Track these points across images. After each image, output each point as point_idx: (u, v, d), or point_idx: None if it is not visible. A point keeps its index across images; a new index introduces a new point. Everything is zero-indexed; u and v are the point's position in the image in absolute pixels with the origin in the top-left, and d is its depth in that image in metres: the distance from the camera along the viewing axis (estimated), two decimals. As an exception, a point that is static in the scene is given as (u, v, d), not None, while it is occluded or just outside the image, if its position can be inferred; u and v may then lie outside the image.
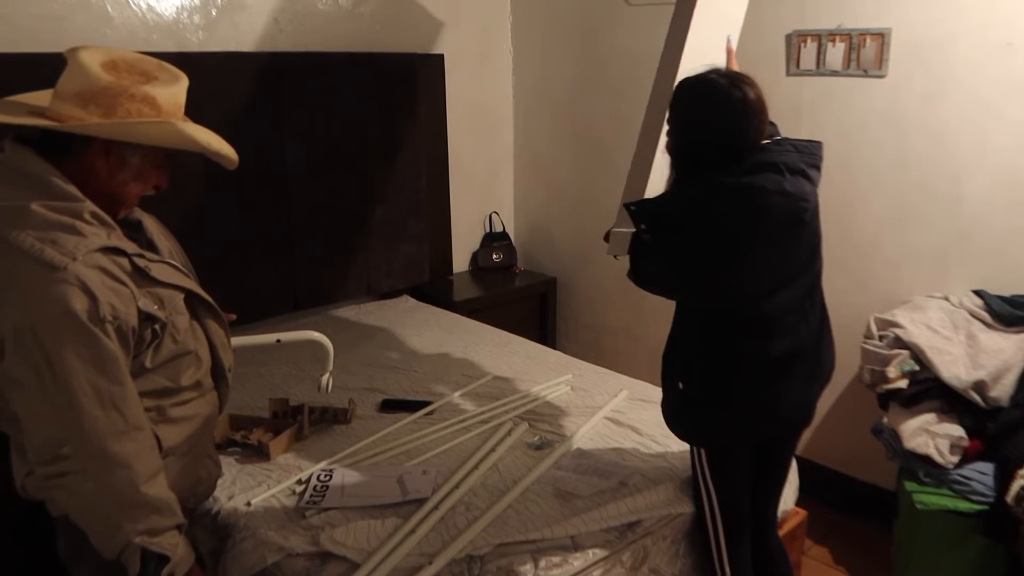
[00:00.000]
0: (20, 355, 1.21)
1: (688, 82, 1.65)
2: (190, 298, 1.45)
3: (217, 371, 1.54)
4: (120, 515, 1.27)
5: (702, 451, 1.85)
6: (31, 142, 1.30)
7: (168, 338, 1.38)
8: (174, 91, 1.35)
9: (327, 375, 2.28)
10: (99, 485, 1.26)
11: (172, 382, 1.41)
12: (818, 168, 1.69)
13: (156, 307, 1.35)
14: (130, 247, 1.34)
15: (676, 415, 1.87)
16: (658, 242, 1.70)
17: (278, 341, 2.19)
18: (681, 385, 1.79)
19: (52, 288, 1.20)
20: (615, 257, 1.88)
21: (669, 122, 1.68)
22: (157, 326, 1.35)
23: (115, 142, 1.30)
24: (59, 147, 1.28)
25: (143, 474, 1.29)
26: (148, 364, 1.36)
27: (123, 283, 1.29)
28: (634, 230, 1.75)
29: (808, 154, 1.67)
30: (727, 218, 1.60)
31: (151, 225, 1.51)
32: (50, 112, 1.29)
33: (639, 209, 1.71)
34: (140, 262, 1.34)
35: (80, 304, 1.21)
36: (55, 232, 1.22)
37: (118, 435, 1.26)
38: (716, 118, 1.60)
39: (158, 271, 1.37)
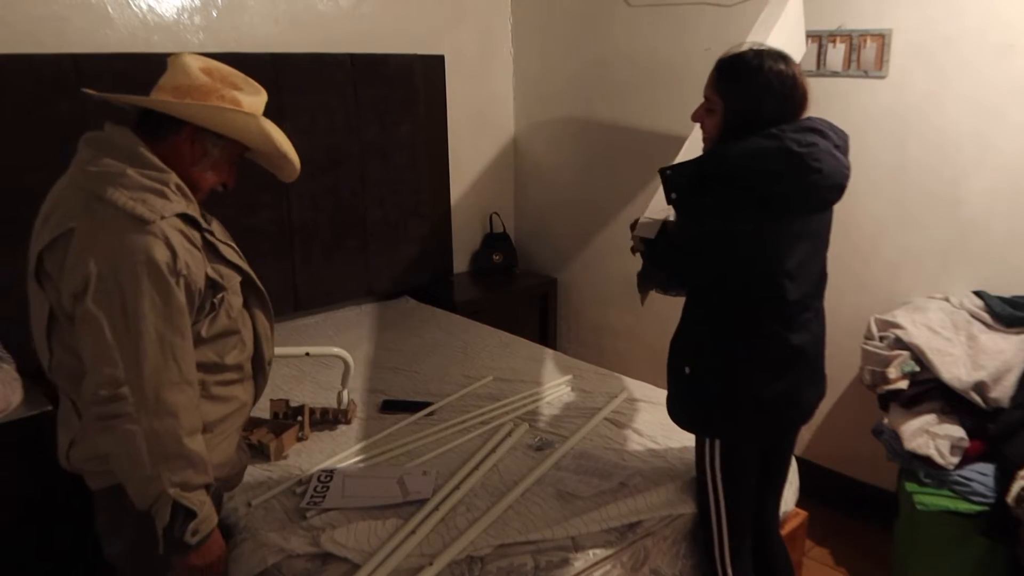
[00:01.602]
0: (100, 295, 1.30)
1: (739, 60, 1.65)
2: (244, 286, 1.56)
3: (257, 361, 1.61)
4: (160, 463, 1.33)
5: (715, 445, 1.83)
6: (127, 125, 1.44)
7: (223, 313, 1.48)
8: (257, 101, 1.50)
9: (346, 391, 2.34)
10: (146, 430, 1.32)
11: (219, 357, 1.50)
12: (847, 154, 1.70)
13: (219, 279, 1.47)
14: (203, 223, 1.47)
15: (680, 402, 1.86)
16: (693, 200, 1.67)
17: (307, 354, 2.26)
18: (687, 370, 1.78)
19: (139, 238, 1.32)
20: (634, 253, 1.88)
21: (721, 96, 1.65)
22: (216, 299, 1.47)
23: (201, 131, 1.43)
24: (152, 130, 1.42)
25: (187, 427, 1.36)
26: (204, 334, 1.45)
27: (197, 248, 1.42)
28: (663, 218, 1.77)
29: (842, 137, 1.70)
30: (779, 164, 1.56)
31: (213, 223, 1.60)
32: (121, 99, 1.44)
33: (676, 172, 1.68)
34: (210, 238, 1.48)
35: (161, 255, 1.33)
36: (146, 194, 1.35)
37: (172, 384, 1.35)
38: (780, 85, 1.61)
39: (224, 250, 1.50)
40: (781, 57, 1.63)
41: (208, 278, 1.44)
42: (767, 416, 1.78)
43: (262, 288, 1.60)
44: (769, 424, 1.81)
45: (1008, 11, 2.35)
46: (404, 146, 3.36)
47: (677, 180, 1.68)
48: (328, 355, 2.34)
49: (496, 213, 3.99)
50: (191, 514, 1.38)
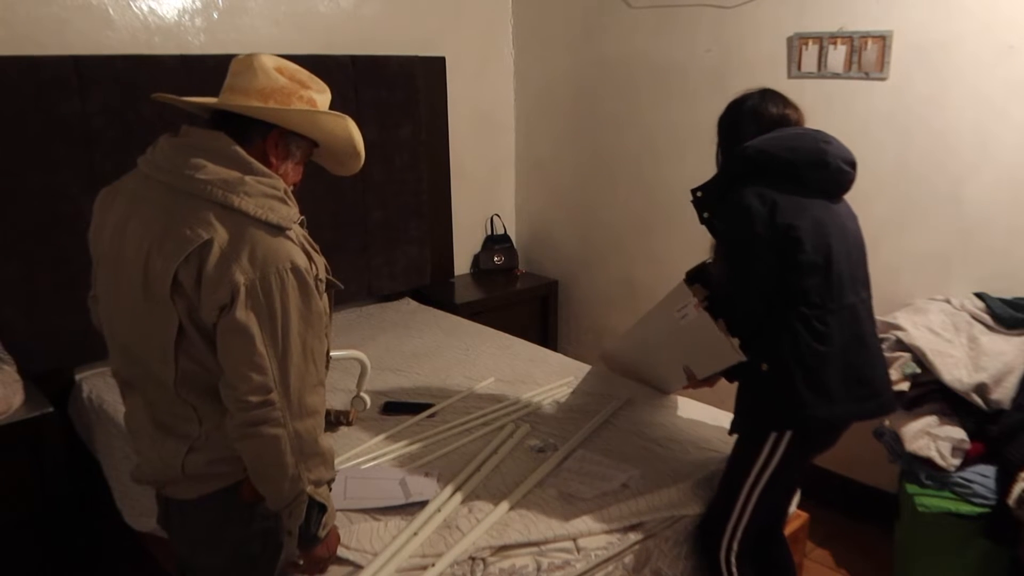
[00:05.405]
0: (250, 306, 1.29)
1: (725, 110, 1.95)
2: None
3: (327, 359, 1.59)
4: (300, 463, 1.36)
5: (780, 440, 1.82)
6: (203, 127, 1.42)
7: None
8: (326, 99, 1.49)
9: (363, 394, 2.38)
10: (290, 433, 1.34)
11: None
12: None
13: (332, 279, 1.49)
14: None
15: (756, 401, 1.84)
16: (728, 205, 1.81)
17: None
18: (764, 367, 1.79)
19: (281, 245, 1.33)
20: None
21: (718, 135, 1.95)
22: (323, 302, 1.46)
23: (286, 133, 1.42)
24: (236, 133, 1.39)
25: (321, 426, 1.41)
26: None
27: (317, 251, 1.43)
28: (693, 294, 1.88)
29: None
30: (793, 140, 1.82)
31: None
32: (233, 105, 1.39)
33: (704, 190, 1.89)
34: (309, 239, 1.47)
35: (302, 261, 1.35)
36: (271, 201, 1.35)
37: (313, 388, 1.38)
38: (749, 111, 1.91)
39: (319, 259, 1.46)
40: (752, 95, 1.91)
41: (326, 279, 1.46)
42: (856, 388, 1.81)
43: (338, 286, 1.56)
44: (859, 397, 1.82)
45: (1008, 12, 2.36)
46: (405, 147, 3.36)
47: (708, 197, 1.87)
48: (347, 358, 2.35)
49: (497, 215, 3.99)
50: (322, 509, 1.44)
